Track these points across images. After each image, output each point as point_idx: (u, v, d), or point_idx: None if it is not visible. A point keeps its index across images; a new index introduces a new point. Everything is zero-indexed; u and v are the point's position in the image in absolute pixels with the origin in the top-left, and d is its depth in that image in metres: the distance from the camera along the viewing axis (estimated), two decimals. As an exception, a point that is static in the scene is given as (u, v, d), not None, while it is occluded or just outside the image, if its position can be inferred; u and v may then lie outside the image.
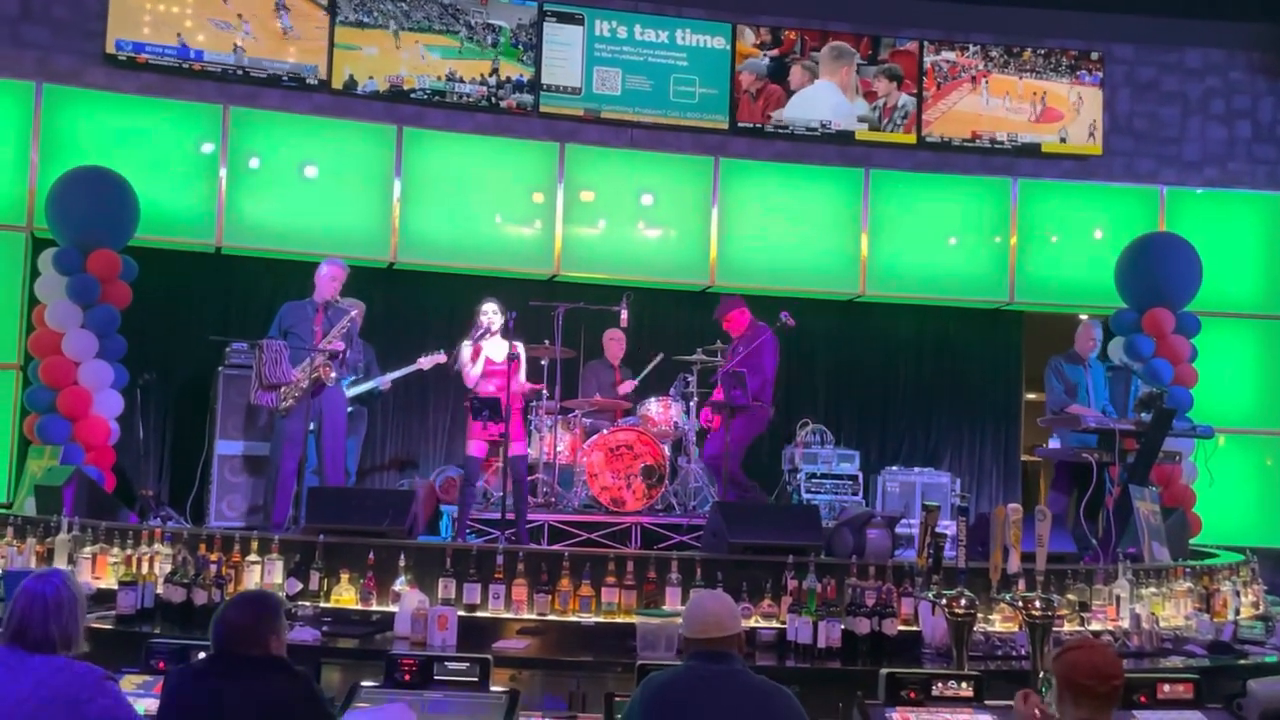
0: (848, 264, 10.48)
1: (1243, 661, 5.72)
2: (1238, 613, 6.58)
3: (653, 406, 8.86)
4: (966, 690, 4.22)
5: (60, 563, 5.90)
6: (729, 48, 10.59)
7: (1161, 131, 11.02)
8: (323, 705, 3.58)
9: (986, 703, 4.20)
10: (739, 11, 10.66)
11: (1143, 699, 4.28)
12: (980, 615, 5.23)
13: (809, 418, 9.76)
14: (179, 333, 9.34)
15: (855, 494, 9.23)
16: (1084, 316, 9.21)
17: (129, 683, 4.12)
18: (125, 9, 9.45)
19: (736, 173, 10.43)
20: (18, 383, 8.90)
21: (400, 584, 5.71)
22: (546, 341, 8.38)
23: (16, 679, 3.38)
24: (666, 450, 8.49)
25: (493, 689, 4.31)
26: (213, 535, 6.03)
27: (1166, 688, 4.35)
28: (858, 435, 10.51)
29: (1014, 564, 5.03)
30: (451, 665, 4.33)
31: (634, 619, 5.50)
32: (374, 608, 5.70)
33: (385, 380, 8.55)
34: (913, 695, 4.19)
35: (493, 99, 10.20)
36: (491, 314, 7.49)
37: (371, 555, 5.79)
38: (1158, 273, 9.63)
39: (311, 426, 7.40)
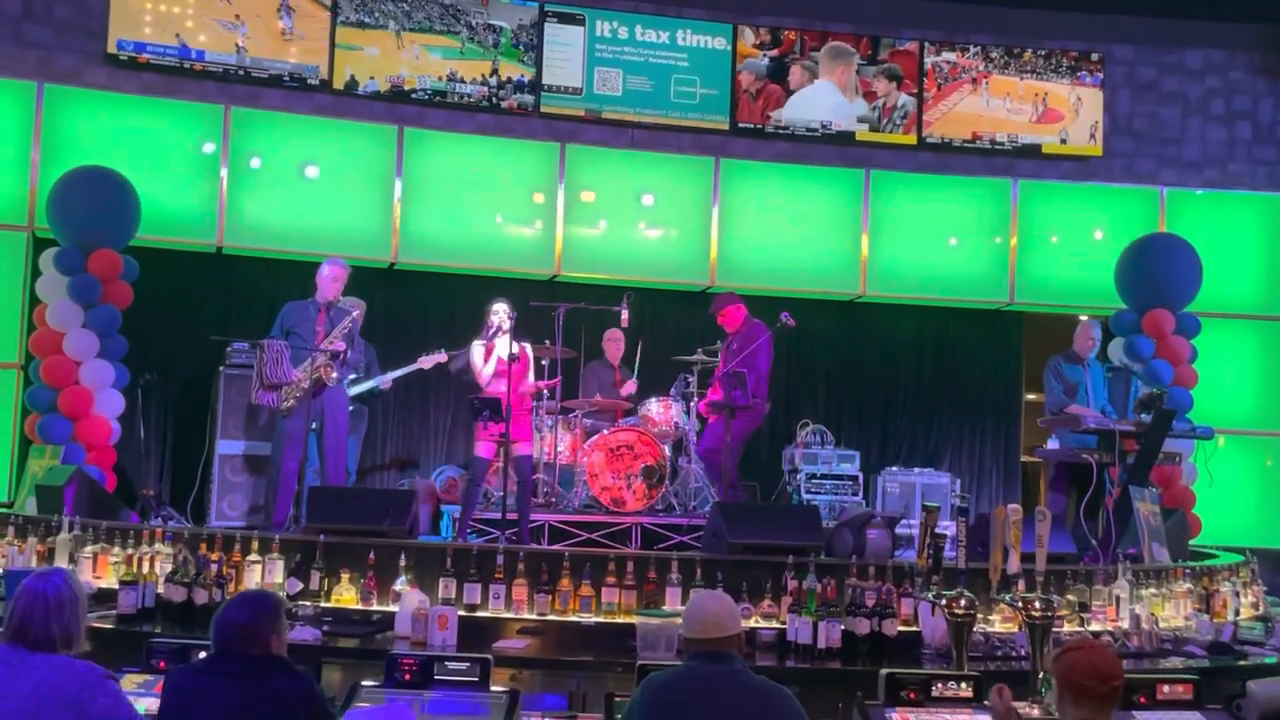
0: (848, 264, 10.49)
1: (1242, 662, 5.71)
2: (1237, 613, 6.58)
3: (653, 407, 8.88)
4: (966, 691, 4.23)
5: (61, 562, 5.90)
6: (730, 48, 10.60)
7: (1162, 132, 11.03)
8: (323, 705, 3.59)
9: (986, 703, 4.20)
10: (740, 12, 10.66)
11: (1142, 699, 4.29)
12: (980, 616, 5.24)
13: (809, 418, 9.77)
14: (180, 333, 9.34)
15: (855, 494, 9.24)
16: (1084, 317, 9.22)
17: (130, 682, 4.13)
18: (126, 9, 9.45)
19: (737, 173, 10.44)
20: (19, 382, 8.90)
21: (400, 584, 5.71)
22: (547, 342, 8.39)
23: (18, 678, 3.38)
24: (667, 450, 8.50)
25: (493, 689, 4.31)
26: (213, 535, 6.04)
27: (1166, 688, 4.36)
28: (858, 436, 10.51)
29: (1014, 564, 5.04)
30: (451, 665, 4.33)
31: (634, 619, 5.50)
32: (374, 607, 5.70)
33: (386, 380, 8.56)
34: (912, 696, 4.20)
35: (493, 99, 10.21)
36: (503, 314, 7.52)
37: (372, 555, 5.80)
38: (1158, 273, 9.63)
39: (313, 426, 7.41)
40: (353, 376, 8.13)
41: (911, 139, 10.78)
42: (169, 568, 5.81)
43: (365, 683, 4.28)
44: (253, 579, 5.76)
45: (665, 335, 9.83)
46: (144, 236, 8.91)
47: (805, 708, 3.57)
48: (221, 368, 8.72)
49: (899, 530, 7.24)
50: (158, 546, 5.95)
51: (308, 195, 9.67)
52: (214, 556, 5.75)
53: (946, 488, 9.55)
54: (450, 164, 9.99)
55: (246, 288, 9.74)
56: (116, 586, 5.61)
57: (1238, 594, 6.70)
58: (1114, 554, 6.87)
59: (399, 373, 8.56)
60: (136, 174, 8.84)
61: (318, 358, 7.29)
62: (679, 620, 4.25)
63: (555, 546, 7.25)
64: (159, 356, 9.17)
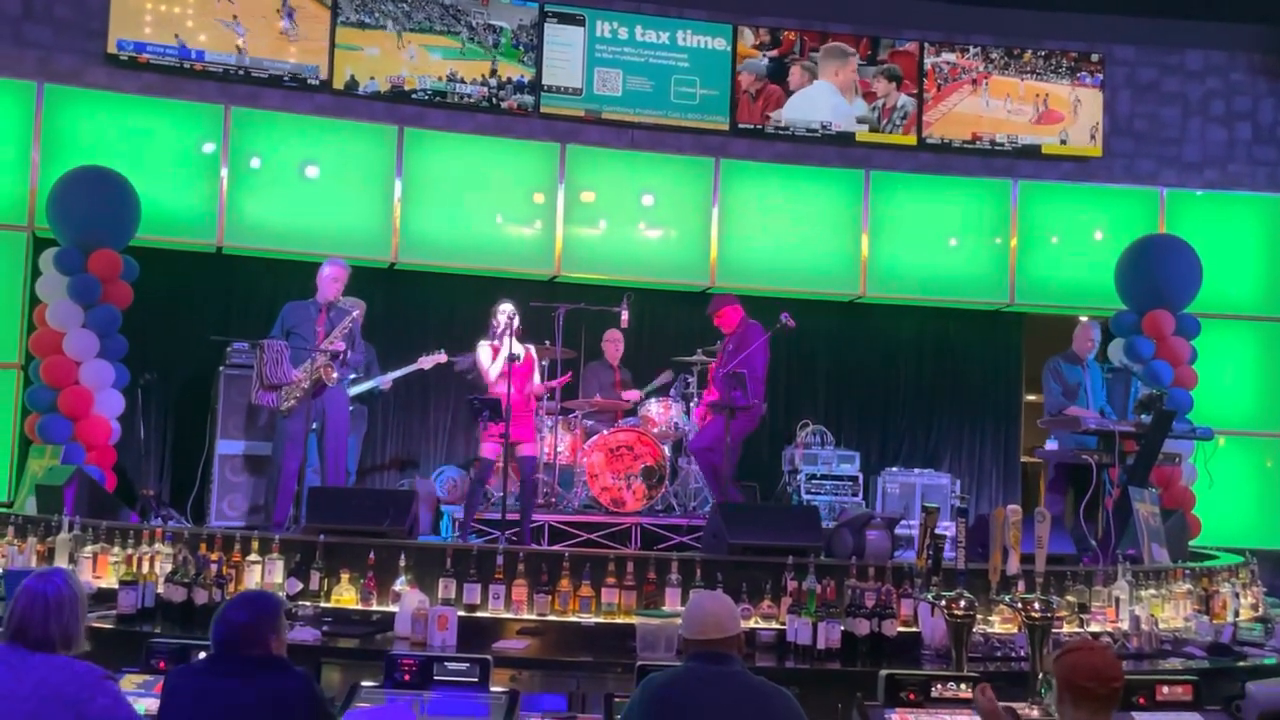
0: (848, 265, 10.49)
1: (1242, 663, 5.71)
2: (1237, 614, 6.57)
3: (653, 407, 8.89)
4: (966, 692, 4.22)
5: (61, 562, 5.90)
6: (730, 49, 10.60)
7: (1162, 133, 11.03)
8: (323, 705, 3.59)
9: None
10: (740, 12, 10.67)
11: (1141, 700, 4.29)
12: (980, 616, 5.24)
13: (809, 419, 9.78)
14: (180, 333, 9.34)
15: (855, 495, 9.25)
16: (1083, 318, 9.23)
17: (129, 682, 4.13)
18: (126, 9, 9.45)
19: (737, 173, 10.44)
20: (19, 382, 8.90)
21: (400, 584, 5.71)
22: (547, 342, 8.40)
23: (17, 677, 3.39)
24: (666, 451, 8.51)
25: (493, 689, 4.31)
26: (213, 535, 6.03)
27: (1165, 689, 4.36)
28: (858, 436, 10.52)
29: (1013, 565, 5.04)
30: (451, 665, 4.34)
31: (634, 619, 5.50)
32: (374, 608, 5.70)
33: (386, 380, 8.57)
34: (912, 696, 4.20)
35: (493, 99, 10.21)
36: (509, 314, 7.52)
37: (372, 555, 5.79)
38: (1158, 274, 9.64)
39: (313, 426, 7.42)
40: (353, 377, 8.13)
41: (911, 139, 10.79)
42: (169, 568, 5.81)
43: (365, 683, 4.28)
44: (253, 579, 5.76)
45: (665, 336, 9.83)
46: (144, 236, 8.91)
47: (805, 708, 3.57)
48: (221, 368, 8.73)
49: (899, 531, 7.24)
50: (158, 546, 5.95)
51: (308, 195, 9.67)
52: (214, 556, 5.75)
53: (946, 488, 9.56)
54: (450, 164, 9.99)
55: (246, 288, 9.75)
56: (116, 586, 5.60)
57: (1237, 595, 6.69)
58: (1113, 555, 6.86)
59: (399, 373, 8.57)
60: (136, 174, 8.85)
61: (318, 358, 7.30)
62: (678, 621, 4.25)
63: (555, 547, 7.26)
64: (159, 356, 9.16)
